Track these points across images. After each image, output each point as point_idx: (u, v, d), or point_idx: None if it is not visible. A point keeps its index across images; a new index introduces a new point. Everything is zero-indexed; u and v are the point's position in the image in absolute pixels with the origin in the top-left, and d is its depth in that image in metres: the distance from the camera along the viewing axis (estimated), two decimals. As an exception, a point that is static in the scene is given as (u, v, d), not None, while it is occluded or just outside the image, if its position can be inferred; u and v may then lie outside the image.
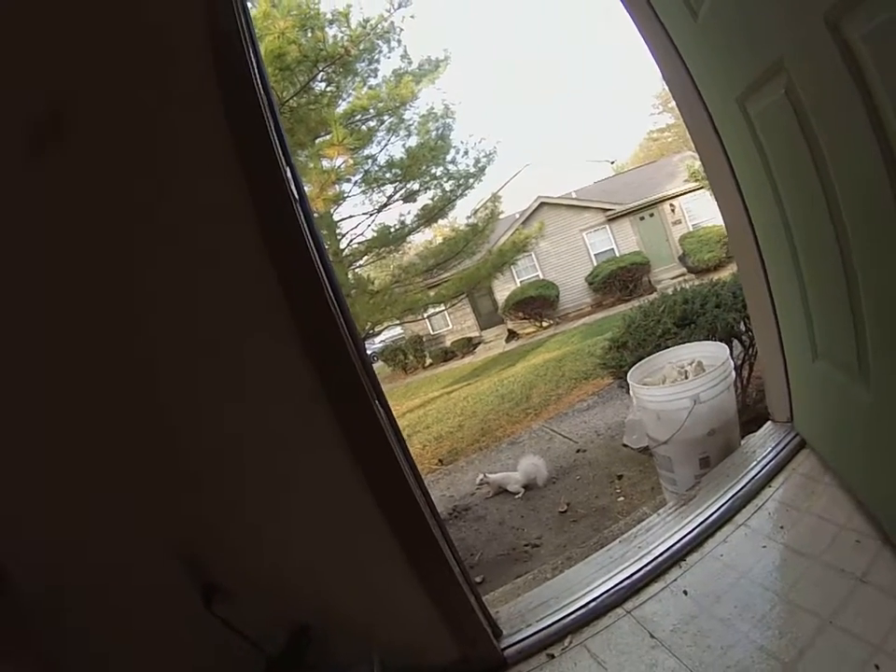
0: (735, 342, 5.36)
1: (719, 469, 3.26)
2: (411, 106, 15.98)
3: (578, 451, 7.00)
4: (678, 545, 2.69)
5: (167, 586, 1.88)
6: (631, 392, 3.88)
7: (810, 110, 1.78)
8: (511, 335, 24.07)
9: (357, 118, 14.71)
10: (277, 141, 1.75)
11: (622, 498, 5.19)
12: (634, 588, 2.54)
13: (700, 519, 2.80)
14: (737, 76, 2.16)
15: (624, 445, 6.34)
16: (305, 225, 1.81)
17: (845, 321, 2.04)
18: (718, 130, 2.71)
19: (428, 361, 25.34)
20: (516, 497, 6.19)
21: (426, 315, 20.54)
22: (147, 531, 1.81)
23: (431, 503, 2.25)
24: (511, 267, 19.99)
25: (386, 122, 15.69)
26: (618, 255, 23.73)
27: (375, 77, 15.32)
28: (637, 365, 4.12)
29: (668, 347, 5.06)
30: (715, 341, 5.01)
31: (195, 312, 1.70)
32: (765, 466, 2.99)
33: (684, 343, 5.00)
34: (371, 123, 15.43)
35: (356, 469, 1.95)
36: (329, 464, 1.97)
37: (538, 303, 23.14)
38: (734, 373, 3.60)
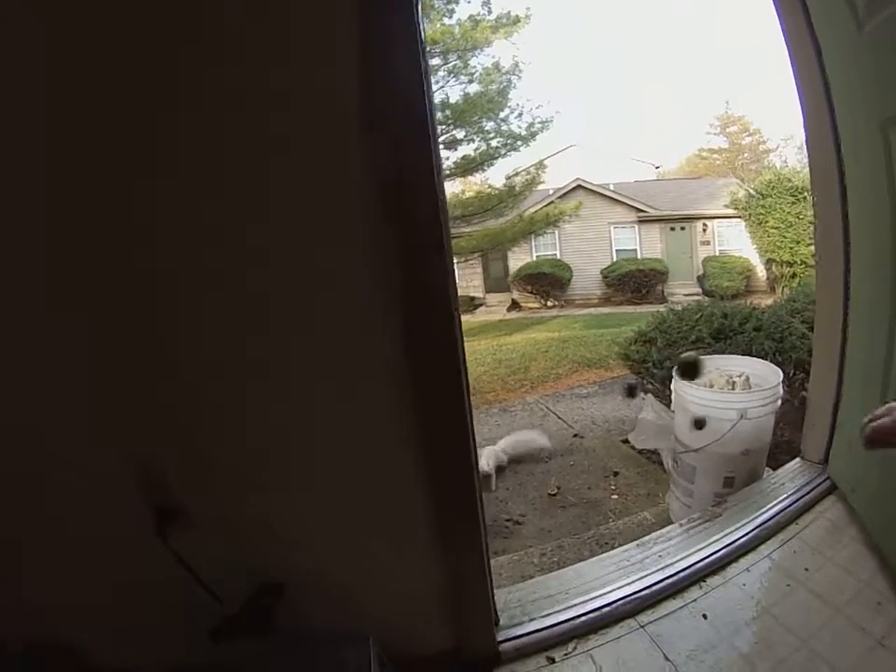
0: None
1: (746, 493, 3.19)
2: (480, 53, 15.77)
3: (575, 435, 6.85)
4: (700, 564, 2.59)
5: (116, 495, 1.58)
6: (673, 388, 3.72)
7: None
8: (515, 305, 23.99)
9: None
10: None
11: (615, 496, 5.04)
12: (651, 600, 2.43)
13: (726, 541, 2.71)
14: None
15: (625, 442, 6.18)
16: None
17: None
18: (840, 148, 2.57)
19: (427, 310, 25.01)
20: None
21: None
22: (105, 424, 1.53)
23: (477, 461, 2.00)
24: (533, 239, 19.81)
25: (451, 63, 15.48)
26: (639, 257, 23.64)
27: (451, 17, 15.07)
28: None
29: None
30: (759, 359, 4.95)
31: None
32: (794, 502, 2.91)
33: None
34: (436, 61, 15.20)
35: (401, 393, 1.68)
36: (367, 377, 1.67)
37: (548, 281, 23.02)
38: (780, 400, 3.45)
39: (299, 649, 1.57)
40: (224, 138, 1.40)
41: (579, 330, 16.57)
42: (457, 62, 15.42)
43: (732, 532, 2.76)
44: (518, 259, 23.94)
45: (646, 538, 2.89)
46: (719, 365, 3.90)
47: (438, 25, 14.54)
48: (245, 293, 1.51)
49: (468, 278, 25.49)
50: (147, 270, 1.43)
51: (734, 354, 4.89)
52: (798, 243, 19.48)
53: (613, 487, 5.22)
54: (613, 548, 3.36)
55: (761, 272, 21.57)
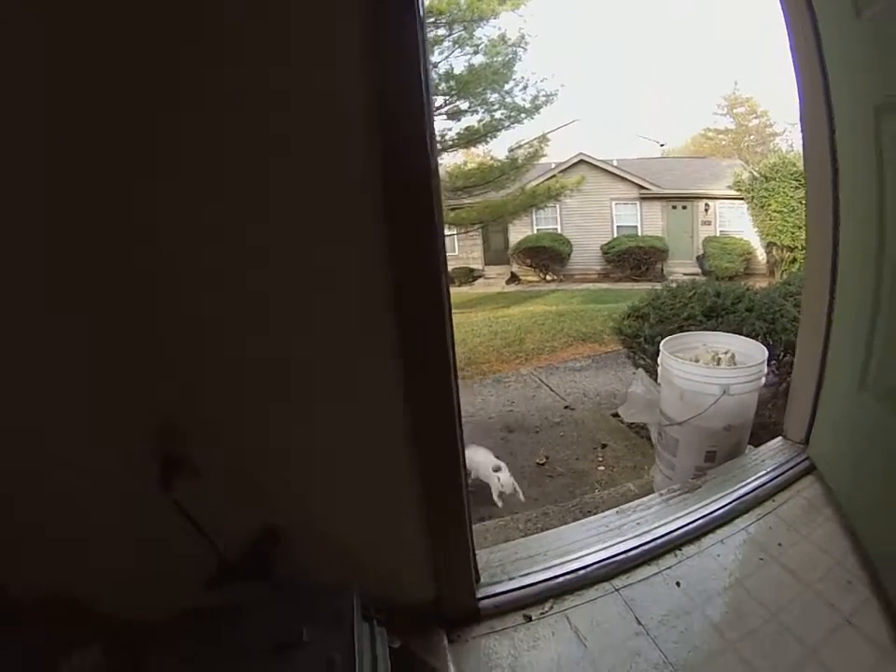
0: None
1: (726, 468, 3.25)
2: (486, 24, 15.63)
3: (566, 407, 6.94)
4: (676, 532, 2.65)
5: (122, 446, 1.63)
6: (660, 362, 3.80)
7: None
8: (513, 278, 24.00)
9: (431, 20, 14.35)
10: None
11: (602, 468, 5.14)
12: (626, 565, 2.50)
13: (703, 512, 2.78)
14: (890, 85, 2.02)
15: (614, 415, 6.25)
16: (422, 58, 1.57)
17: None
18: (835, 131, 2.60)
19: (426, 279, 25.03)
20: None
21: (436, 233, 20.37)
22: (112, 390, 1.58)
23: (461, 415, 2.05)
24: (534, 212, 19.78)
25: (456, 33, 15.33)
26: (640, 234, 23.55)
27: None
28: (670, 337, 4.05)
29: (690, 331, 5.01)
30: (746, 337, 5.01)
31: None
32: (773, 479, 2.97)
33: None
34: (441, 31, 15.08)
35: (395, 353, 1.75)
36: (365, 336, 1.73)
37: (548, 255, 23.03)
38: (764, 378, 3.51)
39: (287, 597, 1.62)
40: (224, 138, 1.44)
41: (576, 305, 16.63)
42: (463, 32, 15.29)
43: (709, 504, 2.82)
44: (519, 232, 23.87)
45: (626, 505, 2.95)
46: (706, 341, 3.98)
47: None
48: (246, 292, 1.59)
49: (468, 249, 25.46)
50: (148, 270, 1.48)
51: (725, 332, 4.96)
52: (800, 228, 19.35)
53: (601, 459, 5.32)
54: (595, 514, 3.44)
55: (761, 255, 21.47)
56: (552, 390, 7.97)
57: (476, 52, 16.04)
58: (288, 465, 1.81)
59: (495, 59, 16.09)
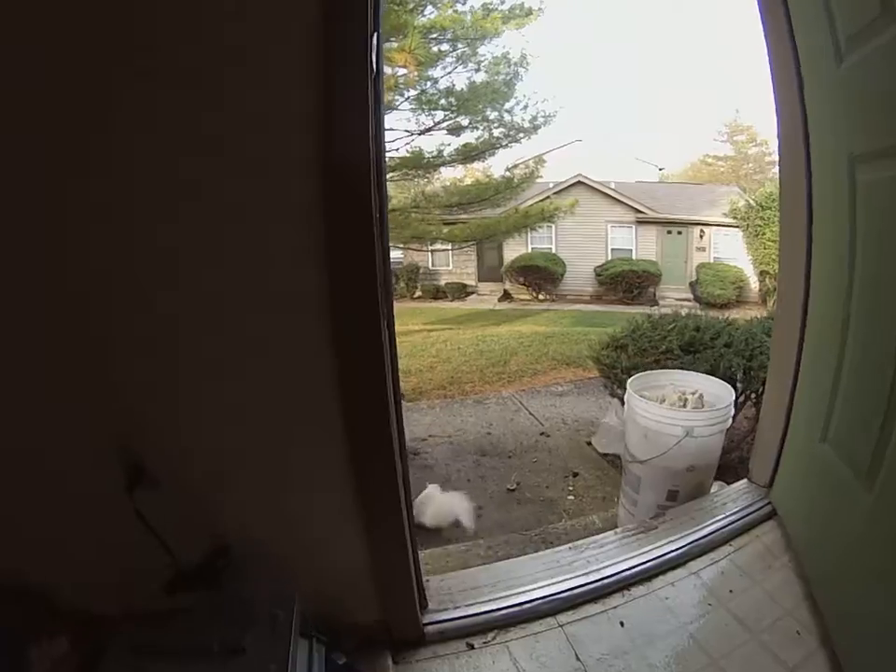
0: (734, 384, 5.23)
1: (686, 509, 3.25)
2: (489, 43, 15.70)
3: (542, 433, 6.91)
4: (627, 573, 2.66)
5: (89, 454, 1.70)
6: (626, 399, 3.79)
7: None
8: (506, 296, 23.99)
9: (434, 36, 14.41)
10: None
11: (571, 497, 5.11)
12: (573, 602, 2.51)
13: (656, 553, 2.78)
14: (864, 136, 2.04)
15: (588, 444, 6.26)
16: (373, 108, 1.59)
17: (872, 420, 1.96)
18: (811, 177, 2.60)
19: (418, 293, 25.24)
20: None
21: (430, 248, 20.46)
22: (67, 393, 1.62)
23: (403, 438, 2.09)
24: (529, 231, 19.82)
25: (459, 50, 15.40)
26: (634, 258, 23.63)
27: (463, 4, 15.02)
28: (638, 375, 4.05)
29: (668, 366, 5.03)
30: (717, 377, 4.97)
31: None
32: (731, 523, 2.98)
33: (685, 368, 4.96)
34: (444, 47, 15.15)
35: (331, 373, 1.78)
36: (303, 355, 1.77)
37: (541, 274, 23.08)
38: (731, 420, 3.52)
39: (232, 605, 1.71)
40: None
41: (566, 326, 16.64)
42: (466, 49, 15.33)
43: (664, 545, 2.83)
44: (513, 250, 23.86)
45: (580, 542, 2.96)
46: (675, 380, 3.97)
47: (448, 12, 14.46)
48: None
49: (461, 265, 25.57)
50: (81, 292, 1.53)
51: (700, 368, 4.95)
52: None
53: (571, 488, 5.30)
54: (556, 545, 3.43)
55: (753, 283, 21.61)
56: (531, 414, 7.95)
57: (478, 70, 16.11)
58: (235, 484, 1.87)
59: (496, 77, 16.11)
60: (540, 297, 23.32)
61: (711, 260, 23.05)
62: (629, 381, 3.88)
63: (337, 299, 1.66)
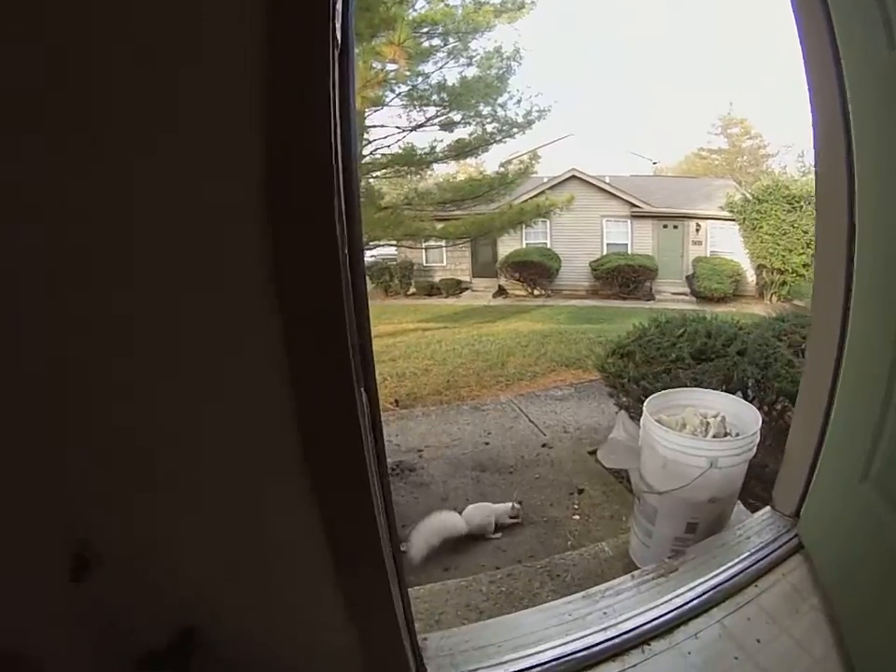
0: (745, 395, 5.01)
1: (706, 545, 3.00)
2: (481, 37, 15.71)
3: (543, 445, 6.63)
4: (646, 626, 2.39)
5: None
6: (642, 423, 3.48)
7: None
8: (501, 291, 23.90)
9: (425, 30, 14.34)
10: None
11: (577, 517, 4.84)
12: (589, 662, 2.24)
13: (677, 602, 2.52)
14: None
15: (591, 453, 5.96)
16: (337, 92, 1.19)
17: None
18: (855, 178, 2.31)
19: (412, 290, 25.14)
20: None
21: (424, 245, 20.35)
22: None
23: (388, 495, 1.77)
24: (524, 227, 19.68)
25: (450, 45, 15.48)
26: (630, 252, 23.50)
27: None
28: (655, 396, 3.71)
29: (679, 376, 4.79)
30: (730, 388, 4.77)
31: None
32: (756, 562, 2.72)
33: (697, 378, 4.83)
34: (435, 41, 15.20)
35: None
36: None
37: (536, 270, 22.94)
38: (755, 448, 3.23)
39: None
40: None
41: (563, 323, 16.57)
42: (457, 44, 15.25)
43: (685, 592, 2.57)
44: (508, 246, 23.77)
45: (593, 589, 2.70)
46: (695, 401, 3.67)
47: (440, 5, 14.35)
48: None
49: (456, 261, 25.50)
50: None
51: (713, 377, 4.72)
52: (790, 251, 19.60)
53: (576, 506, 5.03)
54: (565, 580, 3.19)
55: (750, 277, 21.65)
56: (530, 421, 7.72)
57: (470, 64, 16.10)
58: (195, 561, 1.62)
59: (488, 71, 16.13)
60: (536, 292, 23.23)
61: (708, 254, 22.98)
62: (646, 403, 3.56)
63: (299, 373, 1.35)
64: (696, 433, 3.32)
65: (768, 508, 3.12)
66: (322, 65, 1.11)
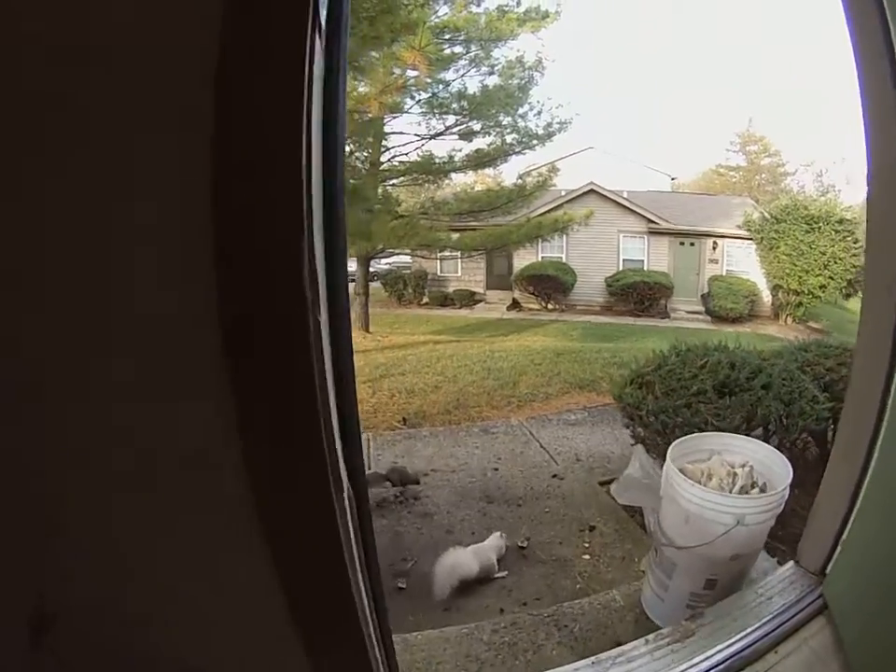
0: (767, 431, 4.83)
1: (726, 606, 2.82)
2: (503, 46, 15.65)
3: (554, 476, 6.36)
4: None
5: None
6: (664, 471, 3.24)
7: None
8: (515, 305, 23.80)
9: (447, 37, 14.21)
10: None
11: (587, 556, 4.58)
12: None
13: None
14: None
15: (605, 483, 5.69)
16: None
17: None
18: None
19: (425, 300, 24.96)
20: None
21: (439, 255, 20.24)
22: None
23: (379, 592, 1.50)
24: (540, 240, 19.53)
25: (472, 53, 15.35)
26: (645, 269, 23.44)
27: (479, 6, 14.87)
28: (679, 441, 3.46)
29: (700, 410, 4.69)
30: (752, 426, 4.61)
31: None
32: (778, 626, 2.53)
33: (719, 414, 4.65)
34: (457, 49, 15.12)
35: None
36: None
37: (551, 284, 22.82)
38: (783, 504, 3.02)
39: None
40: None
41: (576, 340, 16.50)
42: (479, 52, 15.15)
43: (701, 661, 2.39)
44: (523, 258, 23.72)
45: (604, 655, 2.52)
46: (719, 448, 3.44)
47: (463, 13, 14.22)
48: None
49: (470, 272, 25.45)
50: None
51: (736, 414, 4.54)
52: (807, 272, 19.56)
53: (587, 545, 4.78)
54: (572, 632, 3.05)
55: (766, 297, 21.53)
56: (542, 447, 7.51)
57: (491, 73, 16.04)
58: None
59: (510, 81, 16.05)
60: (550, 306, 23.13)
61: (724, 273, 23.02)
62: (669, 449, 3.32)
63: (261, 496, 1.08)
64: (723, 485, 3.10)
65: (792, 564, 2.93)
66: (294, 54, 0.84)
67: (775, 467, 3.19)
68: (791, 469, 3.07)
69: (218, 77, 0.83)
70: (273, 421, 1.01)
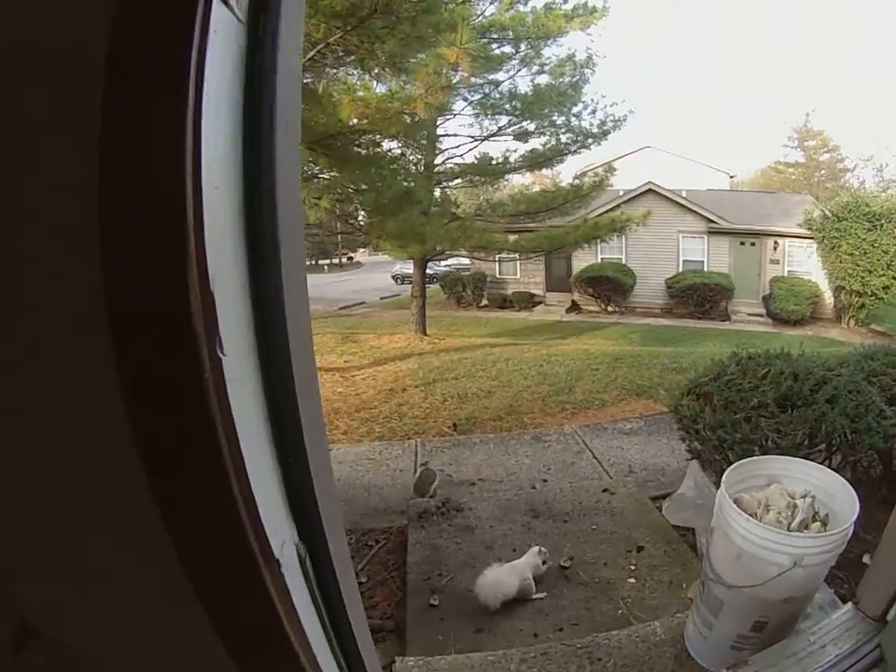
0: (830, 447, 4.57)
1: (775, 654, 2.62)
2: (553, 44, 15.73)
3: (604, 490, 6.04)
4: None
5: None
6: (717, 500, 2.97)
7: None
8: (574, 307, 23.85)
9: (495, 36, 14.09)
10: None
11: (633, 580, 4.28)
12: None
13: None
14: None
15: (658, 498, 5.42)
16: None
17: None
18: None
19: (484, 302, 25.07)
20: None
21: (497, 257, 20.13)
22: None
23: None
24: (598, 241, 19.32)
25: (522, 52, 15.28)
26: (706, 270, 23.17)
27: (525, 4, 15.19)
28: (735, 466, 3.16)
29: (760, 425, 4.41)
30: (814, 443, 4.38)
31: None
32: None
33: (780, 430, 4.35)
34: (507, 49, 15.12)
35: None
36: None
37: (611, 286, 22.83)
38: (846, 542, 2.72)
39: None
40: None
41: (635, 344, 16.48)
42: (529, 50, 15.04)
43: None
44: (582, 260, 23.67)
45: None
46: (779, 474, 3.13)
47: (510, 11, 14.07)
48: None
49: (529, 274, 25.49)
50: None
51: (798, 430, 4.30)
52: (870, 273, 19.07)
53: (633, 567, 4.50)
54: (606, 667, 2.98)
55: (828, 299, 20.91)
56: (594, 457, 7.25)
57: (542, 72, 16.16)
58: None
59: (561, 79, 15.95)
60: (609, 309, 23.12)
61: (785, 274, 22.73)
62: (725, 475, 3.03)
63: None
64: (781, 518, 2.80)
65: (851, 606, 2.69)
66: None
67: (839, 496, 2.87)
68: (857, 500, 2.73)
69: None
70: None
